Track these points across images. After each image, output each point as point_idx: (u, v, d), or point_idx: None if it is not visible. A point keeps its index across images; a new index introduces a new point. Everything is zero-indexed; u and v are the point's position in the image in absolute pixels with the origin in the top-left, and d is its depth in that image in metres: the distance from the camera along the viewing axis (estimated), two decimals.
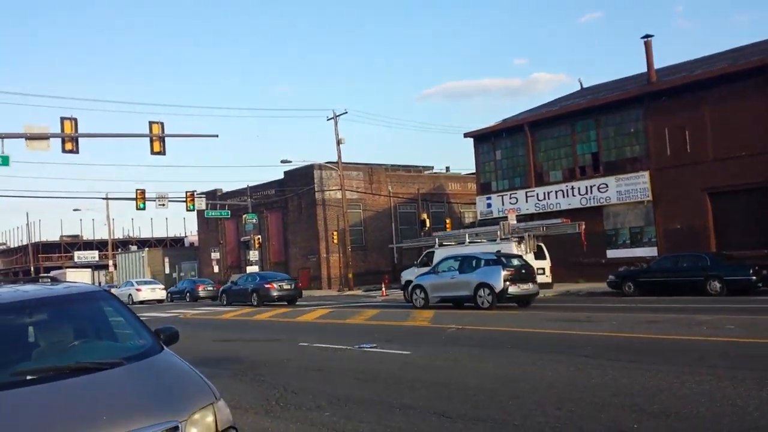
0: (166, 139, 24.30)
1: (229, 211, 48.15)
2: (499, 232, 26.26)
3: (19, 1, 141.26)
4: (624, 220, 30.87)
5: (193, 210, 42.30)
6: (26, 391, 4.27)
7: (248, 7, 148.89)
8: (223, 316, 24.30)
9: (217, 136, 25.92)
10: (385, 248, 44.82)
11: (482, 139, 36.86)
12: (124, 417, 4.06)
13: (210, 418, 4.39)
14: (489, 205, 35.78)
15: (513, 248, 24.31)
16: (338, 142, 41.56)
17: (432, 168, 57.42)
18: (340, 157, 41.85)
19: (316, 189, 45.59)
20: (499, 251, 22.66)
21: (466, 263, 21.19)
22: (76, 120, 22.16)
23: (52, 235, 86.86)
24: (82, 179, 76.00)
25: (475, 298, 20.05)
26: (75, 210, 64.08)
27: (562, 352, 10.72)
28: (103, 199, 55.44)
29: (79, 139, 22.48)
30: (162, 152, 23.98)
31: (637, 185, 29.85)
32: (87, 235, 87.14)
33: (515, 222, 27.68)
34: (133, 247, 69.72)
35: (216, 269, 48.14)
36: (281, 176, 49.18)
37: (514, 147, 35.35)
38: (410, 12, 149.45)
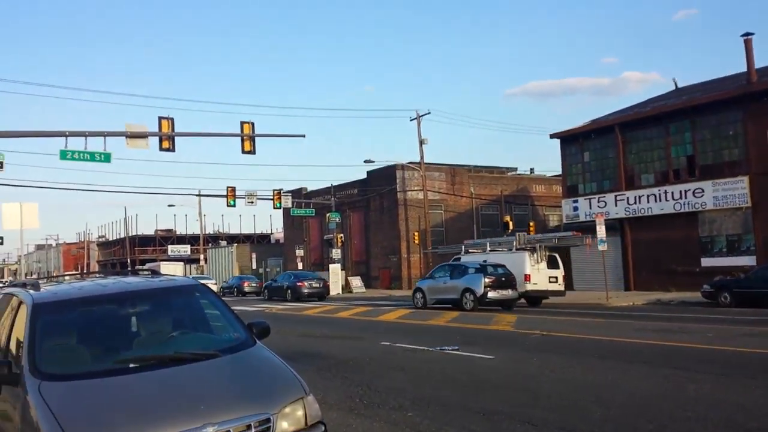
0: (256, 138, 25.08)
1: (314, 210, 49.13)
2: (514, 243, 27.56)
3: (121, 8, 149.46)
4: (720, 226, 29.28)
5: (280, 208, 43.44)
6: (130, 378, 4.51)
7: (334, 9, 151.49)
8: (306, 312, 24.83)
9: (304, 136, 26.52)
10: None
11: (570, 140, 35.92)
12: (219, 407, 4.23)
13: (300, 412, 4.50)
14: (575, 209, 34.83)
15: (526, 258, 25.54)
16: (421, 143, 41.62)
17: (516, 169, 56.48)
18: (422, 157, 41.87)
19: (398, 189, 45.79)
20: (485, 261, 24.70)
21: (456, 271, 24.05)
22: (172, 119, 23.22)
23: (147, 229, 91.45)
24: (177, 176, 79.58)
25: (461, 300, 22.67)
26: (170, 206, 67.47)
27: (654, 363, 10.31)
28: (196, 195, 57.80)
29: (175, 138, 23.56)
30: (252, 151, 24.76)
31: (735, 190, 28.26)
32: (180, 230, 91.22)
33: (603, 228, 26.85)
34: (223, 243, 72.28)
35: (300, 266, 49.18)
36: (364, 176, 49.72)
37: (603, 149, 34.24)
38: (495, 10, 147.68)
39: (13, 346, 5.25)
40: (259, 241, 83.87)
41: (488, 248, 28.40)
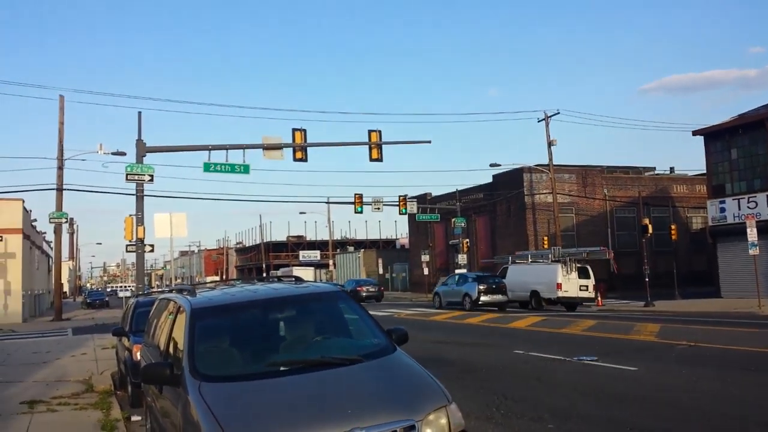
0: (383, 146, 25.48)
1: (439, 215, 49.14)
2: (549, 256, 31.92)
3: (257, 28, 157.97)
4: None
5: (405, 213, 43.86)
6: (282, 380, 4.68)
7: (456, 12, 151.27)
8: (434, 318, 24.82)
9: (429, 141, 26.84)
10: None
11: (715, 136, 33.42)
12: (366, 412, 4.28)
13: (443, 420, 4.46)
14: (722, 210, 32.34)
15: (558, 270, 29.18)
16: (549, 144, 40.42)
17: (654, 169, 53.37)
18: (551, 159, 40.66)
19: (525, 193, 44.74)
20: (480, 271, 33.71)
21: (461, 279, 31.82)
22: (304, 131, 24.13)
23: (280, 236, 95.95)
24: (308, 185, 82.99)
25: (462, 302, 29.60)
26: (301, 213, 70.23)
27: None
28: (325, 203, 59.78)
29: (307, 148, 24.45)
30: (380, 159, 25.18)
31: None
32: (310, 236, 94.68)
33: (754, 230, 24.75)
34: (350, 248, 74.20)
35: (426, 271, 49.36)
36: (490, 180, 49.07)
37: (753, 145, 31.55)
38: (624, 2, 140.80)
39: (172, 349, 5.63)
40: (384, 247, 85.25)
41: (530, 260, 33.08)
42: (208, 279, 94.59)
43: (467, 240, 47.45)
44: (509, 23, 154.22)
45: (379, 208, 41.56)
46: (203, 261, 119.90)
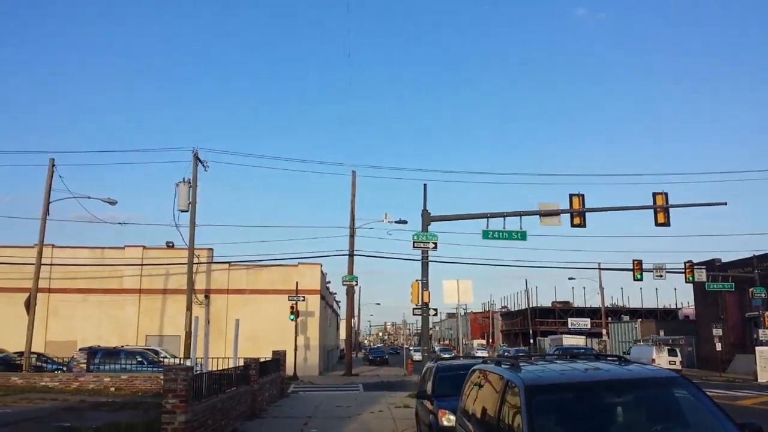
0: (669, 209, 23.80)
1: (733, 284, 43.76)
2: (650, 341, 40.49)
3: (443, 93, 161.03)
4: None
5: (692, 281, 39.92)
6: None
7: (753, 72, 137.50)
8: (742, 402, 21.84)
9: (725, 203, 24.11)
10: None
11: None
12: None
13: None
14: None
15: (653, 350, 39.49)
16: None
17: None
18: None
19: None
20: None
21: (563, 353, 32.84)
22: (582, 196, 23.59)
23: (545, 301, 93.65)
24: (577, 250, 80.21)
25: None
26: (570, 278, 67.40)
27: None
28: (596, 269, 57.12)
29: (586, 213, 23.83)
30: (666, 223, 23.50)
31: None
32: (577, 302, 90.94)
33: None
34: (625, 317, 69.48)
35: (718, 347, 43.96)
36: None
37: None
38: None
39: (501, 424, 5.76)
40: (663, 317, 78.22)
41: (641, 342, 44.60)
42: (475, 343, 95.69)
43: None
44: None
45: (661, 276, 38.45)
46: (469, 324, 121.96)
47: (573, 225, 24.08)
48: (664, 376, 5.85)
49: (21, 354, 26.95)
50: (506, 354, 37.79)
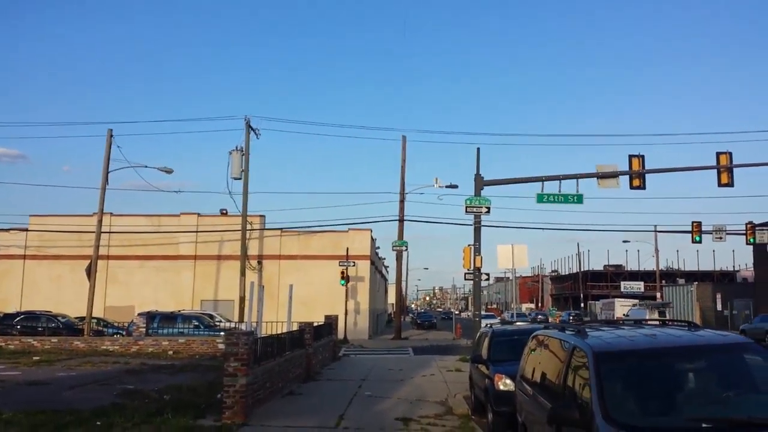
0: (733, 169, 22.83)
1: None
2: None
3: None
4: None
5: (753, 243, 38.52)
6: None
7: None
8: None
9: None
10: None
11: None
12: None
13: None
14: None
15: (647, 311, 49.29)
16: None
17: None
18: None
19: None
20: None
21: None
22: (642, 157, 22.79)
23: (597, 264, 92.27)
24: (631, 212, 78.21)
25: None
26: (624, 241, 66.11)
27: None
28: (652, 231, 55.78)
29: (645, 174, 23.07)
30: (730, 184, 22.54)
31: None
32: (631, 266, 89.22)
33: None
34: (681, 281, 67.84)
35: None
36: None
37: None
38: None
39: (568, 391, 5.59)
40: (720, 280, 76.16)
41: (638, 306, 51.97)
42: (524, 306, 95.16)
43: None
44: None
45: (721, 238, 37.19)
46: (518, 288, 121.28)
47: (632, 187, 23.35)
48: (736, 341, 5.63)
49: (82, 319, 27.98)
50: (539, 318, 37.68)
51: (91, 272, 27.29)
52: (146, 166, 28.61)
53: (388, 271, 69.62)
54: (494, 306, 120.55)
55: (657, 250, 62.31)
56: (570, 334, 6.34)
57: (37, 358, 20.90)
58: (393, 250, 37.41)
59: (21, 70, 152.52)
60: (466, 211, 21.81)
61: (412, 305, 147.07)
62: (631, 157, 22.68)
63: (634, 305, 57.40)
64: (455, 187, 34.67)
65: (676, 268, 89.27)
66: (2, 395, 12.88)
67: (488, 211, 22.04)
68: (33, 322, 27.19)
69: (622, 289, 76.49)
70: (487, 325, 15.44)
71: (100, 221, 27.98)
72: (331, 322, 22.57)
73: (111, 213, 36.58)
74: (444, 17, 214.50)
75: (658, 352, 5.37)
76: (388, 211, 59.05)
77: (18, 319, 27.48)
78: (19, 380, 15.20)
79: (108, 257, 36.55)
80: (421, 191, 37.41)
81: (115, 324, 29.65)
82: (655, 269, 66.03)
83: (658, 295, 62.79)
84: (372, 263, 41.02)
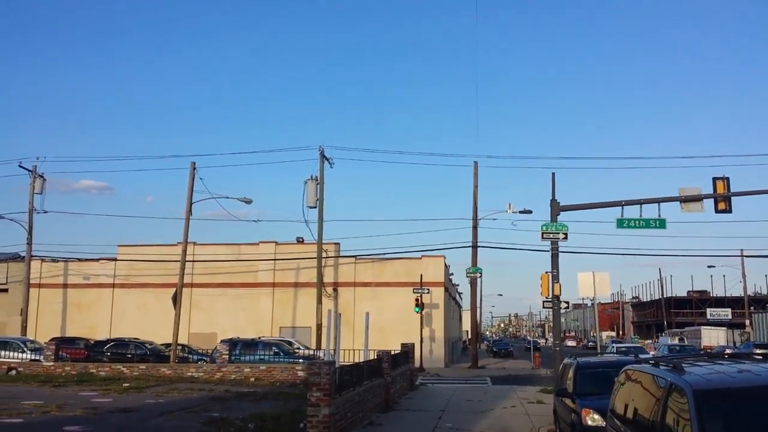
0: None
1: None
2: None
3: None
4: None
5: None
6: None
7: None
8: None
9: None
10: None
11: None
12: None
13: None
14: None
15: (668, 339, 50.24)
16: None
17: None
18: None
19: None
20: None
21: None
22: (728, 179, 21.85)
23: (680, 290, 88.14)
24: (715, 237, 74.72)
25: None
26: (709, 266, 63.18)
27: None
28: (738, 256, 53.12)
29: (731, 197, 22.10)
30: None
31: None
32: (716, 292, 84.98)
33: None
34: None
35: None
36: None
37: None
38: None
39: (666, 430, 5.40)
40: None
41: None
42: (604, 335, 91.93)
43: None
44: None
45: None
46: (597, 315, 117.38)
47: (717, 211, 22.35)
48: None
49: (167, 345, 29.01)
50: (617, 347, 36.67)
51: (176, 300, 28.33)
52: (227, 197, 29.68)
53: (461, 298, 68.97)
54: (572, 334, 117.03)
55: (744, 275, 59.29)
56: (665, 369, 6.14)
57: (127, 384, 21.78)
58: (467, 276, 37.12)
59: (105, 104, 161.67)
60: (543, 238, 21.43)
61: (487, 332, 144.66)
62: (715, 179, 21.78)
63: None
64: (529, 212, 34.27)
65: (766, 293, 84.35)
66: (96, 422, 13.48)
67: (566, 237, 21.58)
68: (122, 349, 28.34)
69: (708, 316, 72.96)
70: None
71: (184, 251, 29.08)
72: (407, 350, 22.53)
73: (194, 242, 37.95)
74: (517, 37, 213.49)
75: (764, 391, 5.13)
76: (461, 238, 58.77)
77: (108, 346, 28.71)
78: (111, 407, 15.86)
79: (192, 285, 37.83)
80: (495, 217, 37.07)
81: (199, 350, 30.59)
82: (742, 295, 62.76)
83: (747, 322, 59.53)
84: (446, 290, 40.78)
